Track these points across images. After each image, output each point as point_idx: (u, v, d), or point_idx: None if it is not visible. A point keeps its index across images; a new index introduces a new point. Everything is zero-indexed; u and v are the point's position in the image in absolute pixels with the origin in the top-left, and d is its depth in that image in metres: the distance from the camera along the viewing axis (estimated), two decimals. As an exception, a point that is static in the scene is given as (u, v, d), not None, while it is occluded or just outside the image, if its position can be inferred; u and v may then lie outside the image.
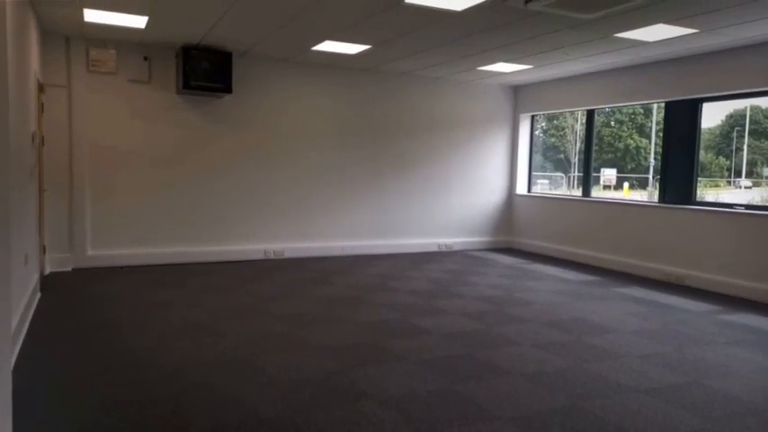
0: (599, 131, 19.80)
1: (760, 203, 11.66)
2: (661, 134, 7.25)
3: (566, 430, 2.92)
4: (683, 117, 6.96)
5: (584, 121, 8.46)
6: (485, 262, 8.03)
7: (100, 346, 4.07)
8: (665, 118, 7.23)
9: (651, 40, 5.87)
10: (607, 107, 8.30)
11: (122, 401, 3.13)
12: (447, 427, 2.92)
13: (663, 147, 7.21)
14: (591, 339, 4.51)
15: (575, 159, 21.74)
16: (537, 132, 9.75)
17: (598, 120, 9.20)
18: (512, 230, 9.51)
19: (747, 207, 6.39)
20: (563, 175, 21.22)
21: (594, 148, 8.43)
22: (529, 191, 9.50)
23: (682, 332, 4.79)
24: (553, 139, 22.43)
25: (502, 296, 5.93)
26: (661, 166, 7.24)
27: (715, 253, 6.44)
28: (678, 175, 7.04)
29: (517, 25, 5.49)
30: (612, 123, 23.39)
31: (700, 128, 6.87)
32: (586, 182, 8.43)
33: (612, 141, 23.09)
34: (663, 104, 7.26)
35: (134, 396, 3.20)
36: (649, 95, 7.27)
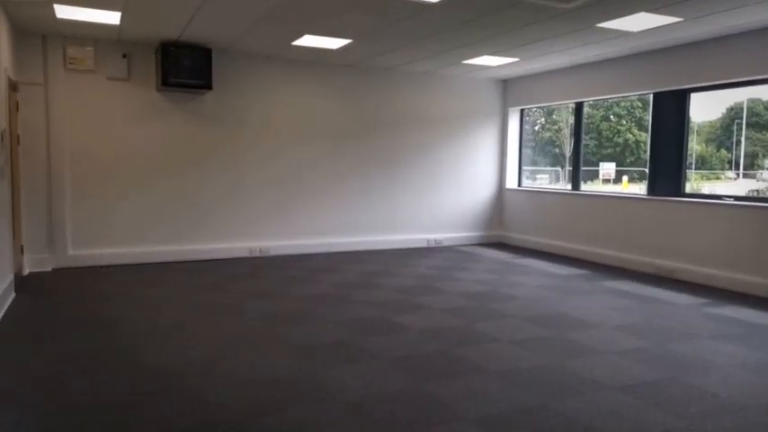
0: (597, 126, 19.66)
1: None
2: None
3: (532, 431, 2.83)
4: (671, 108, 6.84)
5: (574, 113, 8.34)
6: (473, 257, 7.93)
7: (66, 347, 3.98)
8: (653, 109, 7.09)
9: (635, 29, 5.76)
10: (601, 98, 8.17)
11: (82, 404, 3.04)
12: (406, 428, 2.82)
13: (651, 138, 7.08)
14: (571, 335, 4.41)
15: (570, 154, 21.56)
16: (536, 128, 9.64)
17: (597, 114, 9.07)
18: (502, 225, 9.40)
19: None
20: (559, 169, 21.07)
21: (594, 142, 8.32)
22: (519, 185, 9.38)
23: (666, 326, 4.68)
24: (548, 134, 22.29)
25: (486, 291, 5.83)
26: (650, 158, 7.13)
27: (704, 245, 6.33)
28: (667, 167, 6.92)
29: (497, 16, 5.38)
30: (612, 117, 23.19)
31: (688, 119, 6.75)
32: (576, 175, 8.30)
33: (611, 136, 22.91)
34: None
35: (97, 398, 3.11)
36: (638, 86, 7.15)
